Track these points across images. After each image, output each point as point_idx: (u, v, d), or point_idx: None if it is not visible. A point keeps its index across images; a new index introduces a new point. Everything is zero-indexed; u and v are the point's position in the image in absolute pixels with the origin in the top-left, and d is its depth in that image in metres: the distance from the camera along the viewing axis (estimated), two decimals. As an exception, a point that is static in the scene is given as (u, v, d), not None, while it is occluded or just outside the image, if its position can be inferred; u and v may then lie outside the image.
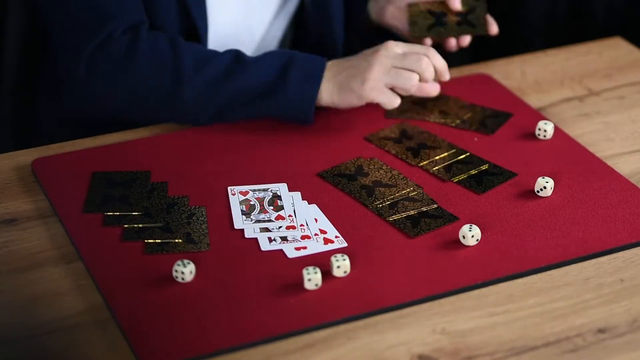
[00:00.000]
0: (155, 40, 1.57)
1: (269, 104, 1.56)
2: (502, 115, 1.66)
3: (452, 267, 1.33)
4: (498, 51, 2.26)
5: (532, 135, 1.61)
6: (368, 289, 1.30)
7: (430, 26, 1.72)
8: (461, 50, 2.41)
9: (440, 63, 1.57)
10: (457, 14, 1.72)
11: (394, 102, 1.55)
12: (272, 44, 1.81)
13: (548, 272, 1.34)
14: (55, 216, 1.43)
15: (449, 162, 1.54)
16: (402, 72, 1.54)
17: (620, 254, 1.37)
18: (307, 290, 1.29)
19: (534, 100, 1.72)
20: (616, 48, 1.89)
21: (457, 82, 1.75)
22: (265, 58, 1.58)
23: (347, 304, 1.27)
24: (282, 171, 1.51)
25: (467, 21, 1.72)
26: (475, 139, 1.60)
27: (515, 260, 1.35)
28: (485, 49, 2.40)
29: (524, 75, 1.80)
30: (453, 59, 2.35)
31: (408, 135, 1.60)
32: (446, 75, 1.59)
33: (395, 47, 1.56)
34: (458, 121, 1.64)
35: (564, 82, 1.78)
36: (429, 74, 1.55)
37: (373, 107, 1.67)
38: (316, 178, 1.50)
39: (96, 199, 1.44)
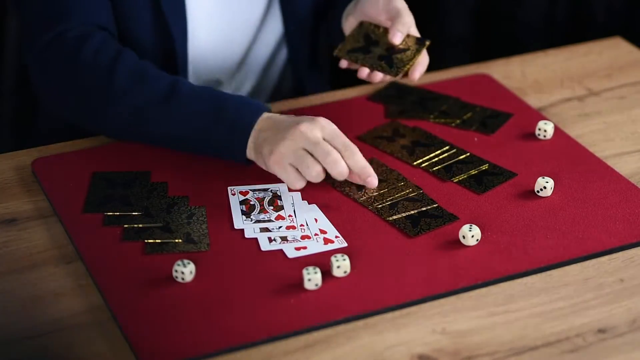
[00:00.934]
0: (102, 48, 1.53)
1: (195, 145, 1.50)
2: (502, 115, 1.66)
3: (452, 267, 1.33)
4: (498, 51, 2.26)
5: (532, 135, 1.61)
6: (368, 289, 1.30)
7: (353, 49, 1.60)
8: (461, 50, 2.41)
9: (357, 164, 1.42)
10: (388, 48, 1.59)
11: (296, 184, 1.42)
12: (257, 63, 1.80)
13: (548, 272, 1.34)
14: (55, 216, 1.43)
15: (449, 162, 1.54)
16: (307, 158, 1.40)
17: (620, 254, 1.37)
18: (307, 290, 1.29)
19: (534, 100, 1.72)
20: (616, 48, 1.89)
21: (457, 82, 1.76)
22: (197, 100, 1.49)
23: (347, 304, 1.27)
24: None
25: (389, 58, 1.58)
26: (475, 139, 1.60)
27: (515, 260, 1.35)
28: (485, 49, 2.40)
29: (524, 75, 1.80)
30: (453, 59, 2.36)
31: (400, 134, 1.60)
32: (368, 180, 1.43)
33: (315, 129, 1.41)
34: (458, 121, 1.64)
35: (564, 82, 1.78)
36: (336, 173, 1.40)
37: (368, 107, 1.68)
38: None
39: (96, 199, 1.44)
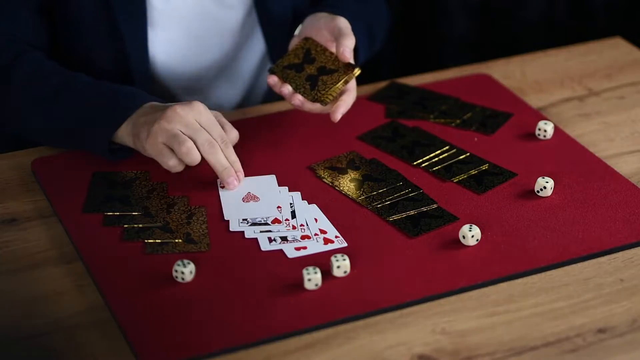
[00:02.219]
0: (5, 48, 1.56)
1: (72, 139, 1.52)
2: (502, 115, 1.66)
3: (452, 267, 1.33)
4: (498, 51, 2.26)
5: (532, 135, 1.61)
6: (368, 289, 1.30)
7: (290, 65, 1.55)
8: (461, 50, 2.41)
9: (220, 162, 1.43)
10: (320, 67, 1.53)
11: (169, 163, 1.42)
12: (243, 71, 1.78)
13: (548, 272, 1.34)
14: (55, 216, 1.43)
15: (449, 162, 1.54)
16: (180, 137, 1.41)
17: (620, 254, 1.37)
18: (307, 290, 1.29)
19: (534, 100, 1.72)
20: (616, 48, 1.89)
21: (457, 82, 1.76)
22: (89, 88, 1.52)
23: (347, 304, 1.27)
24: (280, 172, 1.51)
25: (315, 79, 1.52)
26: (475, 139, 1.60)
27: (515, 260, 1.35)
28: (485, 49, 2.40)
29: (524, 75, 1.80)
30: (453, 59, 2.36)
31: (400, 134, 1.60)
32: (229, 180, 1.44)
33: (191, 112, 1.42)
34: (458, 121, 1.64)
35: (564, 82, 1.78)
36: (188, 159, 1.41)
37: (368, 107, 1.67)
38: (315, 179, 1.50)
39: (96, 199, 1.44)
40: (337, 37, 1.54)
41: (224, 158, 1.44)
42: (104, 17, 1.61)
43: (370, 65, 1.83)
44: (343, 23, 1.55)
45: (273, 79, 1.54)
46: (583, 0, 2.37)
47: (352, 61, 1.52)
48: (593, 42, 1.92)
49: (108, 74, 1.62)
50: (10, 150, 1.59)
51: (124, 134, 1.47)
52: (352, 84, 1.54)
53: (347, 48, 1.52)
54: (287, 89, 1.53)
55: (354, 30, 1.59)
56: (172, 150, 1.42)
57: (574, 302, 1.29)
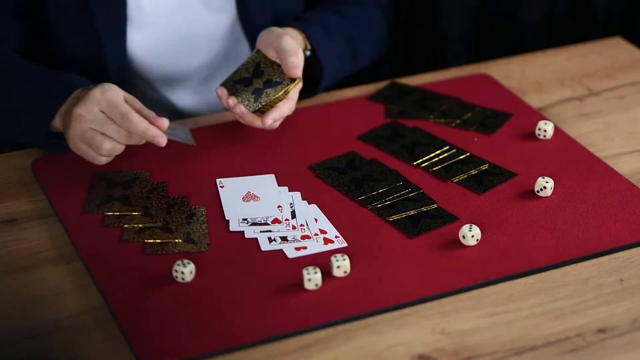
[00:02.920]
0: None
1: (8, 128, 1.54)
2: (502, 115, 1.66)
3: (452, 267, 1.33)
4: (498, 51, 2.26)
5: (532, 135, 1.61)
6: (368, 289, 1.30)
7: (240, 80, 1.55)
8: (461, 50, 2.41)
9: (138, 129, 1.41)
10: (266, 81, 1.53)
11: (95, 161, 1.44)
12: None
13: (548, 272, 1.34)
14: (55, 216, 1.43)
15: (449, 162, 1.54)
16: (96, 136, 1.42)
17: (620, 254, 1.37)
18: (307, 290, 1.29)
19: (534, 100, 1.72)
20: (616, 48, 1.89)
21: (457, 82, 1.76)
22: (29, 75, 1.53)
23: (347, 304, 1.27)
24: (280, 172, 1.51)
25: (260, 92, 1.53)
26: (475, 139, 1.60)
27: (515, 260, 1.35)
28: (485, 49, 2.40)
29: (524, 75, 1.80)
30: (453, 58, 2.36)
31: (400, 134, 1.60)
32: (156, 140, 1.42)
33: (92, 107, 1.42)
34: (458, 121, 1.64)
35: (564, 82, 1.78)
36: (103, 151, 1.42)
37: (368, 107, 1.68)
38: (315, 179, 1.50)
39: (96, 199, 1.44)
40: (282, 56, 1.54)
41: (137, 135, 1.42)
42: (82, 15, 1.61)
43: (371, 65, 1.83)
44: (288, 44, 1.54)
45: (222, 91, 1.54)
46: (583, 0, 2.37)
47: (299, 76, 1.52)
48: (593, 42, 1.92)
49: (86, 70, 1.62)
50: (10, 150, 1.59)
51: (58, 126, 1.48)
52: (294, 94, 1.54)
53: (290, 64, 1.52)
54: (232, 100, 1.53)
55: (328, 44, 1.62)
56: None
57: (574, 302, 1.29)
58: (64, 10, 1.62)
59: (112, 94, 1.42)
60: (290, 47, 1.54)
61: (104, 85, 1.43)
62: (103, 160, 1.45)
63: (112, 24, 1.62)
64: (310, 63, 1.65)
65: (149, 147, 1.55)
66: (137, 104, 1.45)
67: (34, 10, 1.63)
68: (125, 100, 1.43)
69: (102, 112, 1.42)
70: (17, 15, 1.62)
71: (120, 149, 1.44)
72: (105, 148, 1.42)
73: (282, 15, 1.71)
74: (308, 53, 1.64)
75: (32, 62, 1.57)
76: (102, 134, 1.42)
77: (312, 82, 1.68)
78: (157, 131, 1.42)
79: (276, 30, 1.58)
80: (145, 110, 1.45)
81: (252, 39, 1.70)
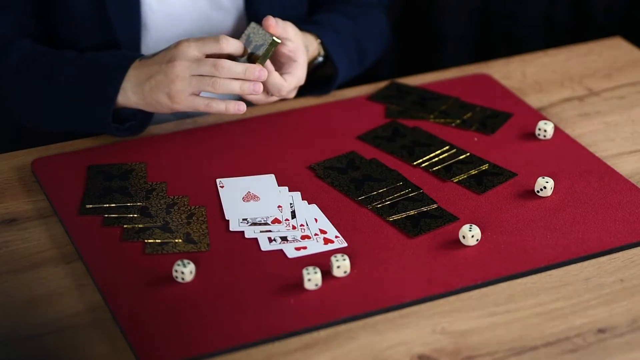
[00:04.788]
0: None
1: (69, 111, 1.55)
2: (502, 115, 1.66)
3: (452, 267, 1.33)
4: (498, 51, 2.26)
5: (532, 135, 1.61)
6: (368, 289, 1.30)
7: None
8: (461, 50, 2.41)
9: (237, 69, 1.47)
10: (254, 47, 1.54)
11: (212, 106, 1.48)
12: None
13: (548, 272, 1.34)
14: (55, 216, 1.43)
15: (449, 162, 1.54)
16: (204, 78, 1.47)
17: (620, 254, 1.37)
18: (307, 290, 1.29)
19: (534, 100, 1.72)
20: (616, 48, 1.89)
21: (457, 82, 1.76)
22: (79, 63, 1.56)
23: (347, 304, 1.27)
24: (280, 172, 1.51)
25: (248, 58, 1.55)
26: (475, 139, 1.60)
27: (515, 260, 1.35)
28: (485, 49, 2.40)
29: (524, 75, 1.80)
30: (453, 58, 2.36)
31: (400, 134, 1.60)
32: (259, 74, 1.48)
33: (188, 50, 1.47)
34: (458, 121, 1.64)
35: (564, 82, 1.78)
36: (231, 74, 1.47)
37: (368, 107, 1.68)
38: (315, 179, 1.50)
39: (95, 192, 1.44)
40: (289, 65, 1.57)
41: (237, 65, 1.47)
42: (97, 18, 1.61)
43: (373, 64, 1.83)
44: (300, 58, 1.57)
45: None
46: (583, 0, 2.37)
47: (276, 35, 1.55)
48: (593, 42, 1.92)
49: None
50: (10, 150, 1.59)
51: (128, 97, 1.50)
52: (302, 59, 1.57)
53: (269, 24, 1.54)
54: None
55: (339, 46, 1.65)
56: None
57: (574, 302, 1.29)
58: (80, 12, 1.62)
59: (193, 44, 1.48)
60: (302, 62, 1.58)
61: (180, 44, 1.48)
62: (219, 104, 1.48)
63: (128, 27, 1.63)
64: (322, 66, 1.69)
65: (149, 147, 1.55)
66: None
67: (49, 12, 1.63)
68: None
69: (194, 56, 1.46)
70: (34, 16, 1.63)
71: (237, 88, 1.47)
72: (219, 83, 1.45)
73: (289, 11, 1.72)
74: (321, 59, 1.68)
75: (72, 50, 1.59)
76: (210, 76, 1.46)
77: (322, 82, 1.71)
78: (255, 69, 1.48)
79: (299, 32, 1.60)
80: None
81: None
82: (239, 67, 1.47)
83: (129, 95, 1.51)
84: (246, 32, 1.57)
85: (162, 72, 1.47)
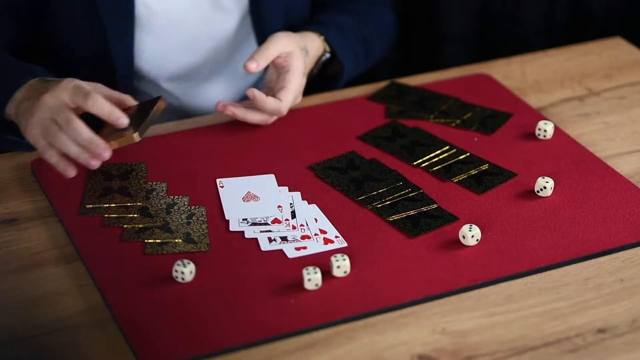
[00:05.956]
0: None
1: None
2: (502, 115, 1.66)
3: (452, 267, 1.33)
4: (498, 51, 2.26)
5: (532, 135, 1.61)
6: (368, 289, 1.30)
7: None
8: (462, 49, 2.41)
9: (103, 111, 1.38)
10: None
11: (46, 155, 1.41)
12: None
13: (548, 272, 1.34)
14: (55, 216, 1.43)
15: (449, 162, 1.54)
16: (52, 128, 1.39)
17: (620, 254, 1.37)
18: (307, 290, 1.29)
19: (534, 100, 1.72)
20: (616, 48, 1.89)
21: (457, 82, 1.76)
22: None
23: (347, 304, 1.27)
24: (280, 172, 1.51)
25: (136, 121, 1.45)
26: (475, 139, 1.60)
27: (515, 260, 1.35)
28: (485, 49, 2.40)
29: (524, 75, 1.80)
30: (453, 58, 2.36)
31: (400, 134, 1.60)
32: (119, 122, 1.39)
33: (61, 93, 1.39)
34: (458, 121, 1.64)
35: (564, 82, 1.78)
36: (76, 137, 1.38)
37: (368, 107, 1.68)
38: (315, 179, 1.50)
39: (95, 192, 1.44)
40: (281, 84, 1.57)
41: (75, 144, 1.39)
42: (88, 14, 1.61)
43: (380, 61, 1.84)
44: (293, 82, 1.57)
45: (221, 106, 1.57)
46: (583, 1, 2.37)
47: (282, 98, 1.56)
48: (593, 42, 1.92)
49: (92, 70, 1.62)
50: (10, 150, 1.59)
51: (11, 108, 1.46)
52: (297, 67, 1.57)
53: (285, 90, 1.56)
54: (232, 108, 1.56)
55: (342, 41, 1.64)
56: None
57: (574, 302, 1.29)
58: (71, 9, 1.61)
59: (78, 82, 1.40)
60: (297, 67, 1.57)
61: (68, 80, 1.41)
62: (51, 157, 1.40)
63: (119, 24, 1.62)
64: (328, 63, 1.70)
65: (149, 147, 1.55)
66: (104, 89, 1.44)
67: (38, 8, 1.63)
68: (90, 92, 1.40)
69: (62, 103, 1.39)
70: (16, 15, 1.62)
71: (74, 150, 1.39)
72: (61, 140, 1.38)
73: (293, 12, 1.72)
74: (328, 55, 1.68)
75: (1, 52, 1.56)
76: (59, 126, 1.38)
77: (328, 80, 1.72)
78: (120, 113, 1.39)
79: (293, 36, 1.60)
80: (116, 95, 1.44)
81: (261, 36, 1.71)
82: (85, 135, 1.37)
83: (12, 107, 1.46)
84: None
85: (33, 99, 1.42)
